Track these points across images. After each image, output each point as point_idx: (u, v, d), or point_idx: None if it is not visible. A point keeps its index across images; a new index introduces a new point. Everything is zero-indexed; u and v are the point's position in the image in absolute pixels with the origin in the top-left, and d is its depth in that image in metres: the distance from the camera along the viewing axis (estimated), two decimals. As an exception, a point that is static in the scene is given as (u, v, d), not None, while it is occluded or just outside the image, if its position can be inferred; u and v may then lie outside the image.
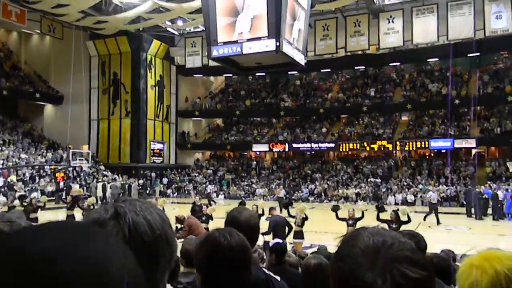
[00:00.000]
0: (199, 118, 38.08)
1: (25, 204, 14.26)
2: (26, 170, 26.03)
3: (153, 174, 31.95)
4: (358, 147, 31.21)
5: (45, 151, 29.89)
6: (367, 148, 31.08)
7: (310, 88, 37.35)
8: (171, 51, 33.67)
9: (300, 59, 10.52)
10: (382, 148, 30.76)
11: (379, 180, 29.31)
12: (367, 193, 27.58)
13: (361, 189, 28.03)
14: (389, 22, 25.68)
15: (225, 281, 1.49)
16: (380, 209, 11.76)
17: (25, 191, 22.98)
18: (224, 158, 37.43)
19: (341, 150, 32.17)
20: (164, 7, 24.80)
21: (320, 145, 32.60)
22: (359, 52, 28.42)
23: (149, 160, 32.42)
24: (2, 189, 22.57)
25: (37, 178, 25.93)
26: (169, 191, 31.29)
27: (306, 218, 10.79)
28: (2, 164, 24.86)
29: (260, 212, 11.50)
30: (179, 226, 9.34)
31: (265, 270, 2.06)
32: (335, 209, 11.57)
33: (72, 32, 28.86)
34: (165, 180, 32.36)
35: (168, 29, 30.63)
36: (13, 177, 24.30)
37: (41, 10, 25.81)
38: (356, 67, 34.45)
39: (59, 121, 32.27)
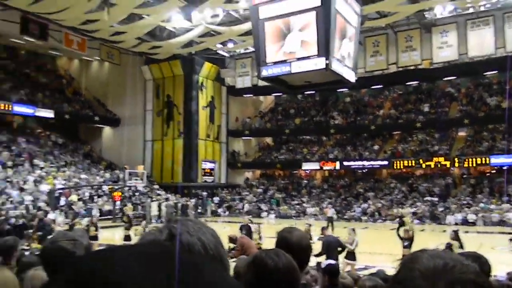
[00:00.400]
0: (249, 137, 38.42)
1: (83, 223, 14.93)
2: (85, 189, 27.25)
3: (205, 193, 32.42)
4: (413, 164, 30.12)
5: (103, 171, 31.21)
6: (423, 165, 29.91)
7: (360, 105, 36.78)
8: (221, 72, 34.44)
9: (350, 76, 10.39)
10: (438, 165, 29.50)
11: (436, 199, 28.09)
12: (424, 213, 26.48)
13: (417, 208, 26.96)
14: (442, 36, 24.97)
15: None
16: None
17: (84, 210, 24.06)
18: (274, 177, 37.37)
19: (394, 167, 31.17)
20: (215, 31, 25.53)
21: (373, 162, 31.84)
22: (411, 67, 27.74)
23: (200, 179, 32.99)
24: (63, 208, 23.71)
25: (95, 197, 27.06)
26: (220, 210, 31.60)
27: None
28: (64, 184, 26.17)
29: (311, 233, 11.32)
30: (232, 245, 9.37)
31: None
32: (400, 223, 11.32)
33: (128, 58, 30.32)
34: (216, 199, 32.74)
35: (219, 51, 31.41)
36: (74, 197, 25.52)
37: (100, 38, 27.33)
38: (408, 83, 33.58)
39: (116, 142, 33.72)
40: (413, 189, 30.27)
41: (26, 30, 24.96)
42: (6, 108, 28.09)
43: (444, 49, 25.02)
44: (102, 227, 15.37)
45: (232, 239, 9.29)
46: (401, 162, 30.47)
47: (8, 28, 24.99)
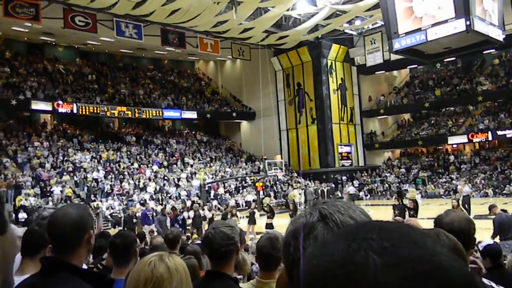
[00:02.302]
0: (384, 116, 36.81)
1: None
2: (231, 182, 29.11)
3: (344, 178, 32.04)
4: None
5: (244, 163, 32.97)
6: None
7: (512, 65, 32.50)
8: (350, 52, 33.53)
9: (497, 34, 9.24)
10: None
11: None
12: None
13: None
14: None
15: None
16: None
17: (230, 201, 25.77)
18: (417, 155, 35.27)
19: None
20: (340, 10, 24.92)
21: (534, 129, 27.94)
22: None
23: (338, 164, 32.68)
24: (213, 200, 25.69)
25: (240, 189, 28.74)
26: (361, 193, 30.93)
27: None
28: (212, 178, 28.31)
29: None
30: None
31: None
32: None
33: (258, 52, 31.37)
34: (356, 183, 32.12)
35: (346, 30, 30.60)
36: (221, 190, 27.49)
37: (231, 37, 28.82)
38: None
39: (254, 135, 35.26)
40: None
41: (166, 41, 27.54)
42: (158, 115, 31.49)
43: None
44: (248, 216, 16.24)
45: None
46: None
47: (151, 42, 27.84)
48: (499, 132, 29.16)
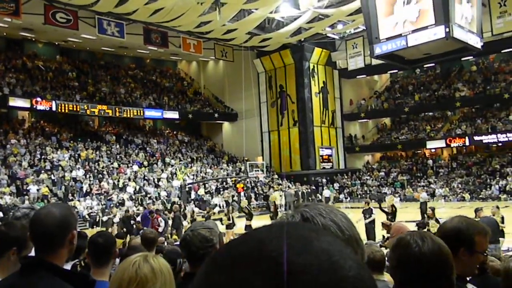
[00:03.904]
0: (365, 120, 37.23)
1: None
2: (212, 183, 28.99)
3: (324, 180, 32.27)
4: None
5: (225, 164, 32.89)
6: None
7: (489, 72, 33.23)
8: (332, 56, 33.83)
9: (475, 42, 9.46)
10: None
11: None
12: None
13: None
14: None
15: None
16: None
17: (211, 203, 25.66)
18: (396, 159, 35.76)
19: (536, 139, 27.63)
20: (323, 14, 25.13)
21: (509, 135, 28.61)
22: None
23: (318, 166, 32.90)
24: (195, 202, 25.56)
25: (221, 190, 28.65)
26: (341, 196, 31.22)
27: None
28: (193, 179, 28.16)
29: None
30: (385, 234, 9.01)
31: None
32: None
33: (241, 53, 31.40)
34: (336, 185, 32.41)
35: (329, 34, 30.86)
36: (201, 190, 27.36)
37: (214, 38, 28.75)
38: (547, 42, 29.34)
39: (235, 136, 35.23)
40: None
41: (149, 40, 27.30)
42: (139, 114, 31.13)
43: None
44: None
45: (386, 225, 8.80)
46: (545, 132, 26.88)
47: (134, 41, 27.56)
48: (476, 138, 29.80)
